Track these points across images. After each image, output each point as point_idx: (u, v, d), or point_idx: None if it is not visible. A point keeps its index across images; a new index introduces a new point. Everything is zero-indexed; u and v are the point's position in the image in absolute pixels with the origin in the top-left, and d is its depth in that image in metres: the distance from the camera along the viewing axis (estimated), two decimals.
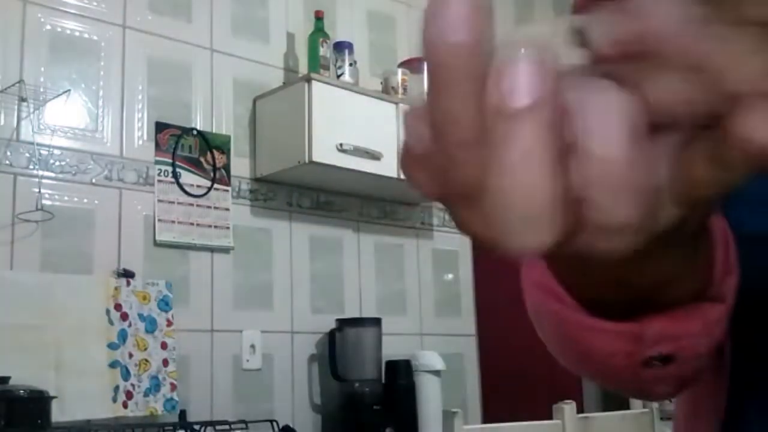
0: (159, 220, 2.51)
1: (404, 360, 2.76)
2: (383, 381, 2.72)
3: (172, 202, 2.56)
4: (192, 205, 2.59)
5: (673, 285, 0.36)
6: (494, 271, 2.95)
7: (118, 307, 2.36)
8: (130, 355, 2.35)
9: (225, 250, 2.66)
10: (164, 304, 2.46)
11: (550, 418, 2.02)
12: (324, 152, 2.59)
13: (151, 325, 2.42)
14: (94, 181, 2.42)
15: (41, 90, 2.35)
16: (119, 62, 2.54)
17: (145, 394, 2.35)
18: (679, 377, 0.43)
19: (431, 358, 2.79)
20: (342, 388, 2.70)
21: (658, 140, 0.27)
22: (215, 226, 2.64)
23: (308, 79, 2.63)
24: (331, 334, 2.71)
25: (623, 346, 0.39)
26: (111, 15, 2.54)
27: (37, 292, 2.21)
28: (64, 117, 2.40)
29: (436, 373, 2.78)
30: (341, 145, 2.61)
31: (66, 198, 2.36)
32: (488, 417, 3.23)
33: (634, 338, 0.38)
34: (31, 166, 2.30)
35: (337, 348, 2.70)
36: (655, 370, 0.40)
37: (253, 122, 2.80)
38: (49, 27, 2.41)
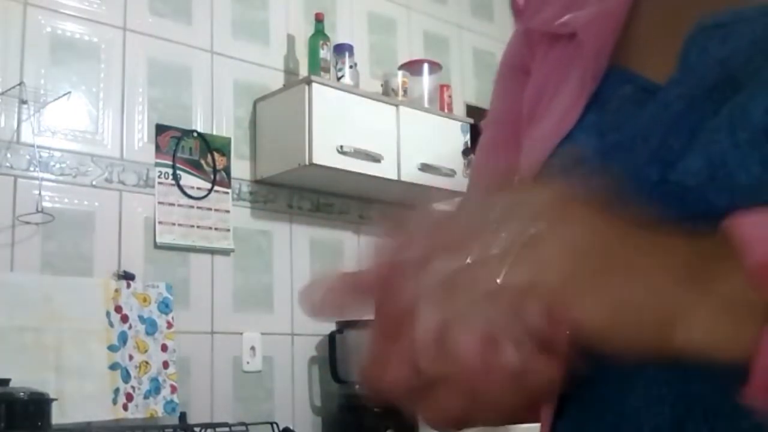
0: (159, 222, 2.51)
1: None
2: None
3: (173, 204, 2.56)
4: (192, 207, 2.59)
5: None
6: None
7: (118, 309, 2.36)
8: (131, 357, 2.35)
9: (225, 252, 2.66)
10: (164, 306, 2.46)
11: None
12: (324, 154, 2.59)
13: (151, 327, 2.42)
14: (94, 183, 2.42)
15: (42, 92, 2.35)
16: (120, 64, 2.54)
17: (146, 397, 2.35)
18: None
19: None
20: (342, 390, 2.70)
21: None
22: (215, 228, 2.64)
23: (308, 81, 2.63)
24: (332, 336, 2.71)
25: None
26: (111, 17, 2.54)
27: (38, 294, 2.21)
28: (65, 119, 2.40)
29: None
30: (341, 147, 2.61)
31: (66, 200, 2.36)
32: None
33: None
34: (32, 168, 2.30)
35: (337, 350, 2.70)
36: None
37: (253, 124, 2.80)
38: (49, 29, 2.41)
